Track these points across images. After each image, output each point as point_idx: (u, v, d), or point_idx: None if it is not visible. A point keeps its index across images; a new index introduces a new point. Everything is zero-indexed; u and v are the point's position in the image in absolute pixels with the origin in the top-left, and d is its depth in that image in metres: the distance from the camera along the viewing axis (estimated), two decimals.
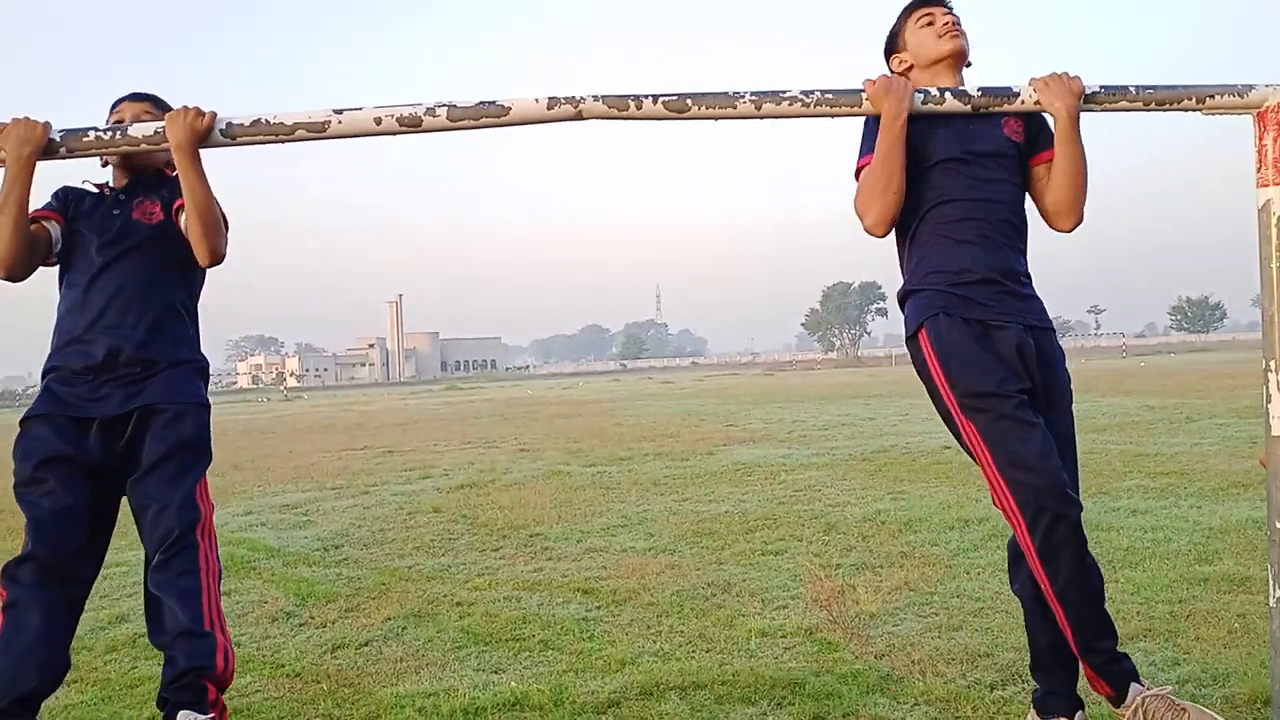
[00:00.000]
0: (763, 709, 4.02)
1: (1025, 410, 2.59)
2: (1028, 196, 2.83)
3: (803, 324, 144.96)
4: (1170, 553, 6.28)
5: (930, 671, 4.32)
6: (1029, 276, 2.79)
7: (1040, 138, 2.79)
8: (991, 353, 2.64)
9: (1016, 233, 2.77)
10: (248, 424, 29.48)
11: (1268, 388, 2.27)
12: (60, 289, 2.85)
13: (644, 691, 4.25)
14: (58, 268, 2.87)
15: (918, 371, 2.79)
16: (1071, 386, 2.81)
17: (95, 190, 2.91)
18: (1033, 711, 2.87)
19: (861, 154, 2.74)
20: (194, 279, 2.94)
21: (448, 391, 59.20)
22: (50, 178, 2.71)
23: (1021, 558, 2.66)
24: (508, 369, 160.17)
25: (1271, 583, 2.29)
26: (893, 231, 2.83)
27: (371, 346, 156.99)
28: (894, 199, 2.62)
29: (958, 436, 2.72)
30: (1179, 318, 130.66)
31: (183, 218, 2.76)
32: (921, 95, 2.49)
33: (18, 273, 2.67)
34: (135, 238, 2.80)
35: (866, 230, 2.67)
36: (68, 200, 2.86)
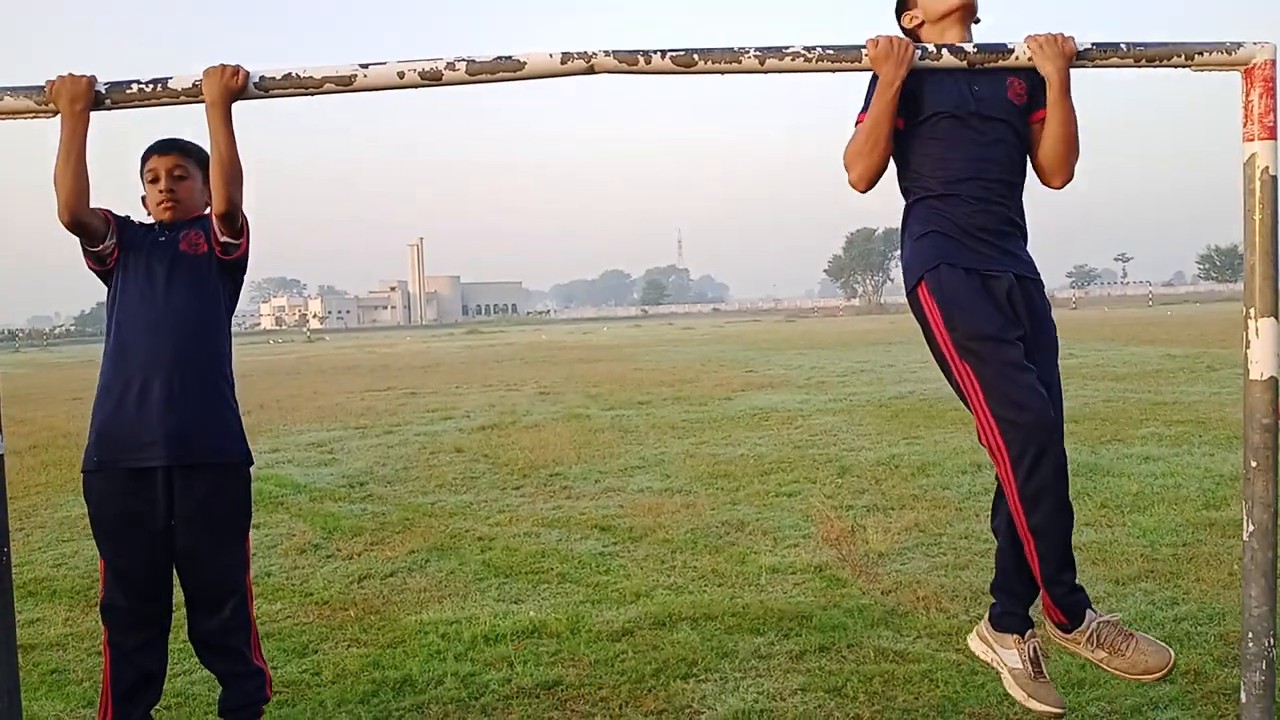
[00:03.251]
0: (770, 639, 4.19)
1: (1019, 354, 2.73)
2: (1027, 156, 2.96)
3: (826, 270, 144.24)
4: (1179, 498, 6.39)
5: (934, 607, 4.48)
6: (1023, 231, 2.90)
7: (1038, 94, 2.84)
8: (989, 299, 2.77)
9: (1012, 190, 2.86)
10: (272, 364, 29.87)
11: (1247, 334, 2.38)
12: (109, 310, 3.06)
13: (657, 622, 4.44)
14: (106, 290, 3.07)
15: (918, 321, 2.94)
16: (1058, 338, 2.97)
17: (143, 225, 3.12)
18: (987, 624, 3.09)
19: (863, 109, 2.86)
20: (233, 302, 3.18)
21: (469, 335, 59.61)
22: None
23: (1003, 495, 2.81)
24: (528, 313, 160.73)
25: (1245, 518, 2.42)
26: (896, 181, 2.96)
27: (393, 289, 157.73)
28: (878, 160, 2.74)
29: (951, 380, 2.87)
30: (1207, 266, 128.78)
31: (221, 239, 2.99)
32: (919, 51, 2.58)
33: (80, 215, 2.85)
34: (182, 266, 3.01)
35: (851, 185, 2.79)
36: (120, 222, 3.06)
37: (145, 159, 3.09)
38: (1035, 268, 2.89)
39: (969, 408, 2.80)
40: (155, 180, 3.05)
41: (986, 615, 3.09)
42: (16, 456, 10.03)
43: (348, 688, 3.84)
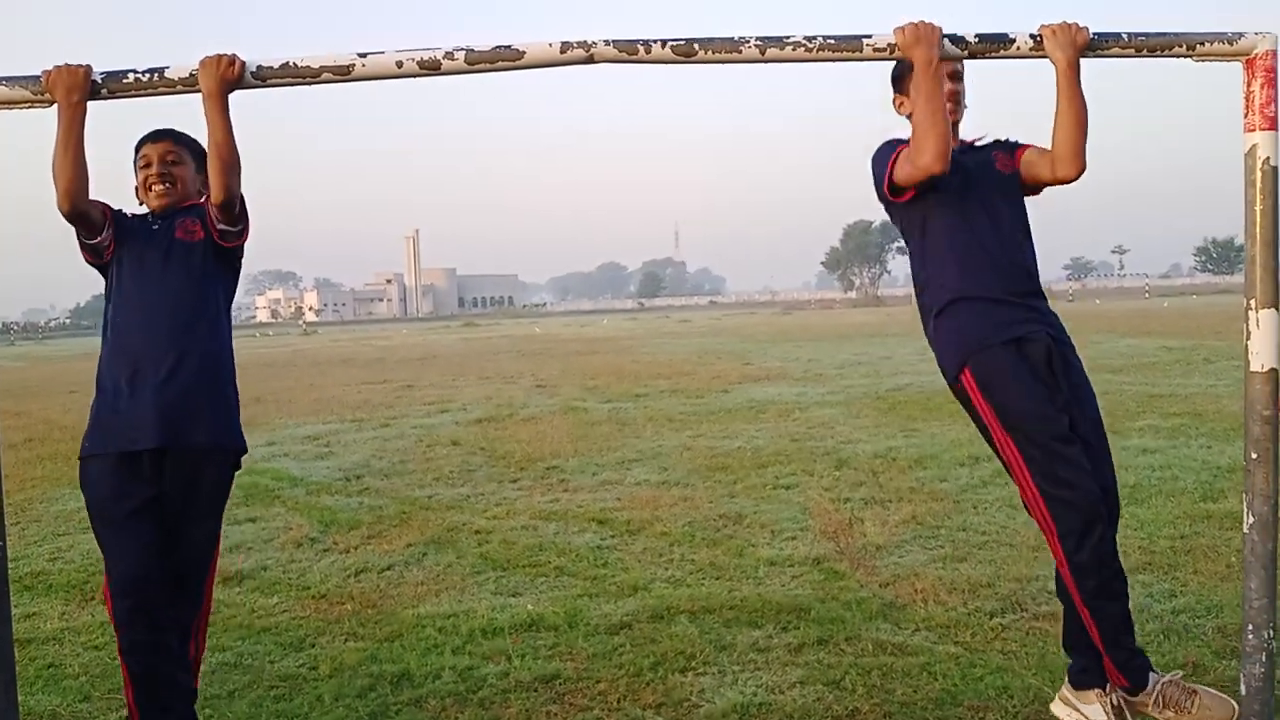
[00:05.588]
0: (768, 632, 4.18)
1: (1065, 429, 2.76)
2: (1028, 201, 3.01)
3: (822, 263, 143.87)
4: (1176, 490, 6.39)
5: (932, 600, 4.48)
6: (1040, 286, 2.97)
7: (1014, 145, 2.99)
8: (1032, 375, 2.81)
9: (1028, 246, 2.93)
10: (268, 357, 29.80)
11: (1247, 325, 2.38)
12: (106, 301, 3.03)
13: (655, 615, 4.43)
14: (104, 285, 3.04)
15: (962, 404, 2.98)
16: (1096, 397, 2.98)
17: (137, 216, 3.10)
18: (1068, 685, 3.09)
19: (885, 164, 2.91)
20: (231, 289, 3.17)
21: (466, 328, 59.52)
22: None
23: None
24: (525, 306, 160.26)
25: (1245, 510, 2.42)
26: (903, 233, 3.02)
27: (389, 282, 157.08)
28: (944, 129, 2.70)
29: (994, 449, 2.92)
30: (1204, 259, 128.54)
31: (219, 227, 2.98)
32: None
33: (79, 204, 2.85)
34: (177, 253, 3.00)
35: (925, 170, 2.73)
36: (116, 215, 3.04)
37: (138, 148, 3.09)
38: (1064, 329, 2.93)
39: (1012, 478, 2.83)
40: (148, 165, 3.04)
41: (1065, 677, 3.10)
42: (12, 450, 10.02)
43: (345, 681, 3.84)
